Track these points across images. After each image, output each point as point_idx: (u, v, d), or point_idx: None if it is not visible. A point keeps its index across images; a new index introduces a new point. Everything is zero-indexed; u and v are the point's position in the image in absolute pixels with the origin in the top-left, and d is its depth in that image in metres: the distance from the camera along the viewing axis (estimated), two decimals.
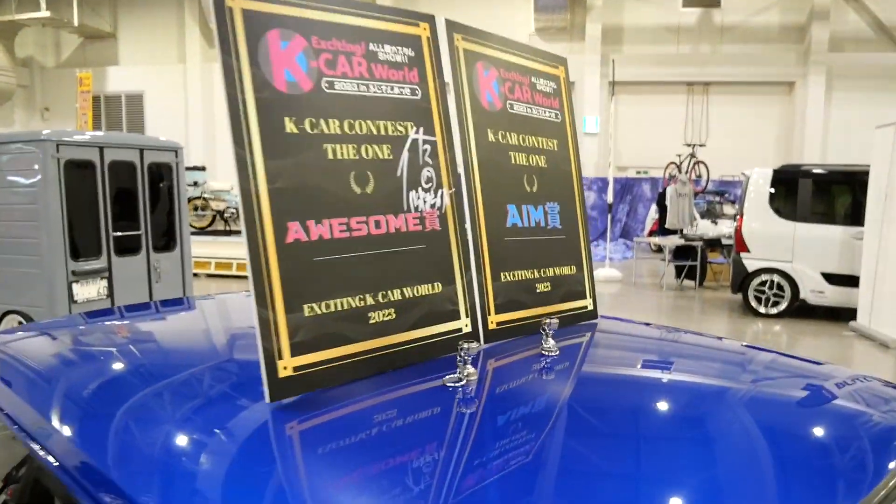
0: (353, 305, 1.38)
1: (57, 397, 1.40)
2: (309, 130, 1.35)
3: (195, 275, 8.43)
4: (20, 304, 5.82)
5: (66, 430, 1.25)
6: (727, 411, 1.34)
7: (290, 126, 1.33)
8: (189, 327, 2.13)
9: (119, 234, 6.07)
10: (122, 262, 6.14)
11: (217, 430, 1.20)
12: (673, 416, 1.31)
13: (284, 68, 1.33)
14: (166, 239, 6.58)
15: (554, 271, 1.89)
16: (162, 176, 6.50)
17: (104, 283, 6.02)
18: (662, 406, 1.37)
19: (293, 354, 1.27)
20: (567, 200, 2.00)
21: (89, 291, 5.92)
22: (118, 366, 1.64)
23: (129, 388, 1.44)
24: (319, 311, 1.32)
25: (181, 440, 1.16)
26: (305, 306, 1.30)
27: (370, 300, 1.41)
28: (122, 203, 6.16)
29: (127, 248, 6.18)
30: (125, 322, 2.11)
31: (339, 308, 1.36)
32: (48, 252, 5.62)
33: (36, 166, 5.58)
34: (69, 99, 15.44)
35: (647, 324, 2.10)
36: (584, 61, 16.33)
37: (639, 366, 1.69)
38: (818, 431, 1.25)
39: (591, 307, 1.98)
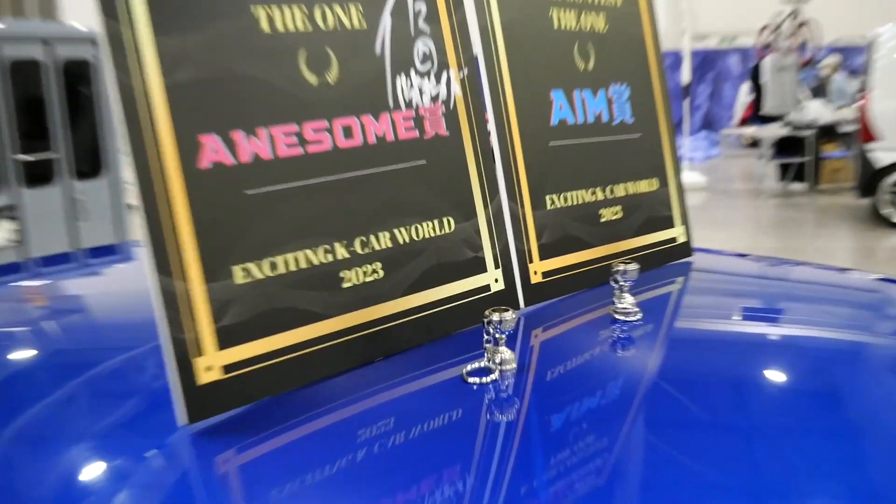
0: (315, 262, 1.15)
1: None
2: None
3: (129, 206, 8.35)
4: None
5: None
6: None
7: None
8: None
9: (27, 158, 5.93)
10: (35, 195, 6.06)
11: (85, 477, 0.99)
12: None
13: None
14: (91, 162, 6.44)
15: (626, 189, 1.66)
16: (81, 78, 6.30)
17: (13, 224, 5.94)
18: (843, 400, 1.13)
19: (221, 346, 1.05)
20: (641, 80, 1.74)
21: None
22: None
23: None
24: (260, 276, 1.10)
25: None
26: (237, 269, 1.07)
27: (341, 252, 1.18)
28: (30, 117, 6.02)
29: (39, 176, 6.06)
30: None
31: (292, 267, 1.13)
32: None
33: None
34: None
35: (766, 259, 1.86)
36: None
37: (775, 331, 1.44)
38: None
39: (682, 238, 1.76)
